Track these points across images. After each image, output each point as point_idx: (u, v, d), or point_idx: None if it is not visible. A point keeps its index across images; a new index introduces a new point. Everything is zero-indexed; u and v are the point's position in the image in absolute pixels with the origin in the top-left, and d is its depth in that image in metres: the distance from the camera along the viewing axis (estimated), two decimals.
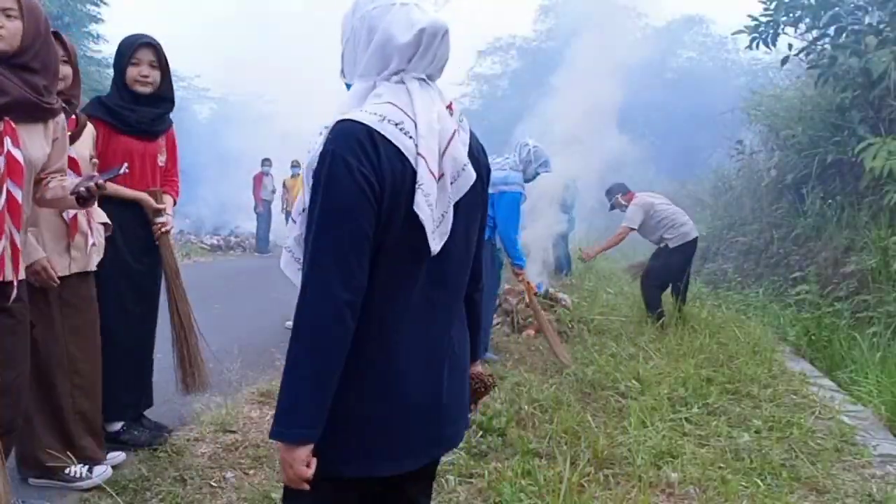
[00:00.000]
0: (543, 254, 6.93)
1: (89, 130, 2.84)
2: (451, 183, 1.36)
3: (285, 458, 1.29)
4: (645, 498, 2.70)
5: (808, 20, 7.88)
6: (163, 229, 3.09)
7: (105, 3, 14.32)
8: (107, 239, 2.94)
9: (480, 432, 3.38)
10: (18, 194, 2.09)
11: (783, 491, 2.87)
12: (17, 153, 2.07)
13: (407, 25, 1.33)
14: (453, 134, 1.37)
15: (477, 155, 1.47)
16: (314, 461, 1.30)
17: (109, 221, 2.90)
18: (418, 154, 1.30)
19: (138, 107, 3.03)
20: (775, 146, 10.59)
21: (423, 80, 1.37)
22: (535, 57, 26.36)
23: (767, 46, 8.31)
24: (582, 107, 6.66)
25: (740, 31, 8.52)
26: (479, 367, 1.69)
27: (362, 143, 1.26)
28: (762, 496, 2.80)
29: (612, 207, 6.75)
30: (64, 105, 2.38)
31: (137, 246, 3.09)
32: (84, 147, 2.76)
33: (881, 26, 7.16)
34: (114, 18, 14.78)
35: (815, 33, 8.00)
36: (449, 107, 1.41)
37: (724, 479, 2.92)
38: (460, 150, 1.38)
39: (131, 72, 3.00)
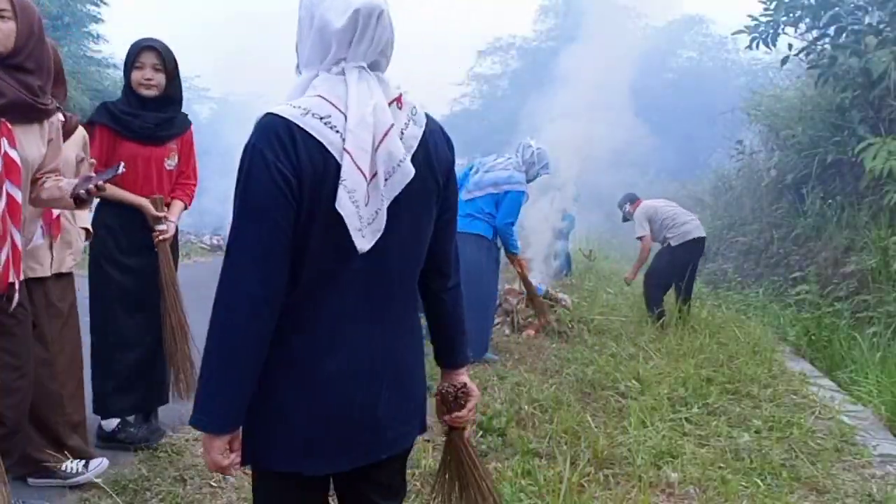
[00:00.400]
0: (545, 253, 6.95)
1: (80, 133, 2.85)
2: (386, 180, 1.30)
3: (204, 444, 1.32)
4: (645, 498, 2.70)
5: (808, 20, 7.88)
6: (160, 237, 3.08)
7: (105, 3, 14.31)
8: (108, 237, 3.00)
9: (480, 432, 3.37)
10: (18, 195, 2.09)
11: (783, 491, 2.87)
12: (14, 154, 2.07)
13: (343, 8, 1.30)
14: (389, 128, 1.31)
15: (433, 149, 1.40)
16: (232, 452, 1.33)
17: (90, 227, 2.95)
18: (344, 149, 1.26)
19: (143, 111, 3.05)
20: (775, 146, 10.60)
21: (364, 69, 1.33)
22: (535, 57, 26.35)
23: (767, 46, 8.31)
24: (582, 107, 6.67)
25: (740, 31, 8.52)
26: (457, 376, 1.59)
27: (280, 137, 1.24)
28: (762, 496, 2.80)
29: (625, 219, 6.80)
30: (58, 105, 2.38)
31: (138, 247, 3.10)
32: (71, 149, 2.76)
33: (881, 26, 7.16)
34: (114, 18, 14.80)
35: (815, 33, 8.00)
36: (398, 99, 1.36)
37: (724, 479, 2.92)
38: (397, 144, 1.31)
39: (135, 75, 3.02)
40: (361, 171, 1.26)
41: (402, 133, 1.34)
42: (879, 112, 7.43)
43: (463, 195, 5.02)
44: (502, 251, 5.27)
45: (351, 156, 1.26)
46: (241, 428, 1.34)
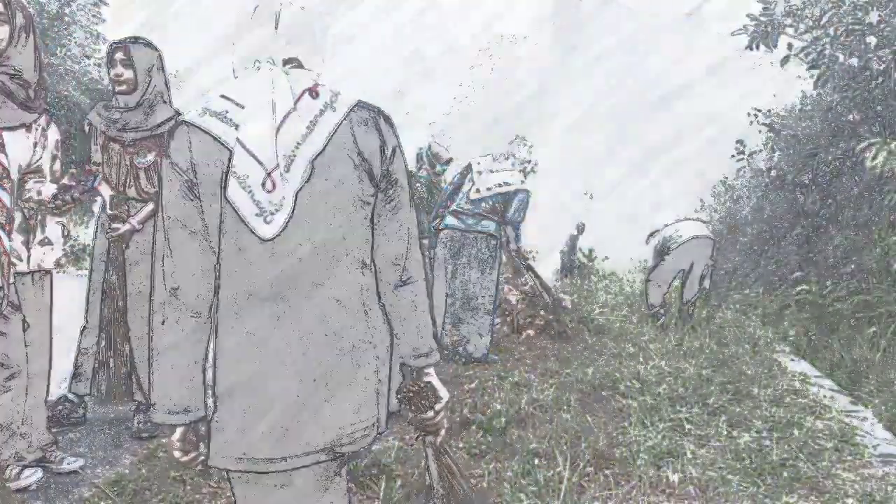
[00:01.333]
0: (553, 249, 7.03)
1: (52, 132, 2.90)
2: (288, 165, 1.35)
3: None
4: (645, 498, 2.70)
5: (808, 20, 7.86)
6: (112, 234, 3.21)
7: (105, 3, 14.29)
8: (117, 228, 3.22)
9: (480, 432, 3.37)
10: (6, 199, 2.10)
11: (783, 491, 2.87)
12: (3, 158, 2.08)
13: (250, 10, 1.43)
14: (288, 114, 1.37)
15: (356, 135, 1.40)
16: (194, 448, 1.41)
17: (64, 222, 3.07)
18: (236, 138, 1.33)
19: (115, 109, 3.24)
20: (775, 146, 10.58)
21: (275, 64, 1.41)
22: (535, 57, 26.31)
23: (767, 46, 8.29)
24: (582, 107, 6.68)
25: (740, 31, 8.49)
26: (422, 376, 1.52)
27: (180, 139, 1.37)
28: (762, 496, 2.80)
29: None
30: (46, 108, 2.39)
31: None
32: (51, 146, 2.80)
33: (881, 26, 7.15)
34: (114, 18, 14.75)
35: (815, 33, 7.98)
36: (312, 89, 1.41)
37: (724, 480, 2.92)
38: (295, 129, 1.36)
39: (110, 74, 3.21)
40: (256, 159, 1.33)
41: (316, 120, 1.38)
42: (880, 112, 7.41)
43: (471, 194, 5.06)
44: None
45: (242, 144, 1.33)
46: (198, 425, 1.41)
